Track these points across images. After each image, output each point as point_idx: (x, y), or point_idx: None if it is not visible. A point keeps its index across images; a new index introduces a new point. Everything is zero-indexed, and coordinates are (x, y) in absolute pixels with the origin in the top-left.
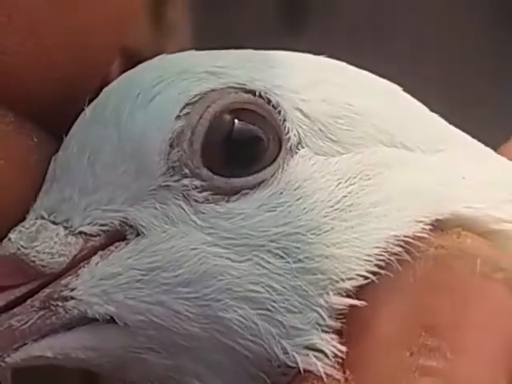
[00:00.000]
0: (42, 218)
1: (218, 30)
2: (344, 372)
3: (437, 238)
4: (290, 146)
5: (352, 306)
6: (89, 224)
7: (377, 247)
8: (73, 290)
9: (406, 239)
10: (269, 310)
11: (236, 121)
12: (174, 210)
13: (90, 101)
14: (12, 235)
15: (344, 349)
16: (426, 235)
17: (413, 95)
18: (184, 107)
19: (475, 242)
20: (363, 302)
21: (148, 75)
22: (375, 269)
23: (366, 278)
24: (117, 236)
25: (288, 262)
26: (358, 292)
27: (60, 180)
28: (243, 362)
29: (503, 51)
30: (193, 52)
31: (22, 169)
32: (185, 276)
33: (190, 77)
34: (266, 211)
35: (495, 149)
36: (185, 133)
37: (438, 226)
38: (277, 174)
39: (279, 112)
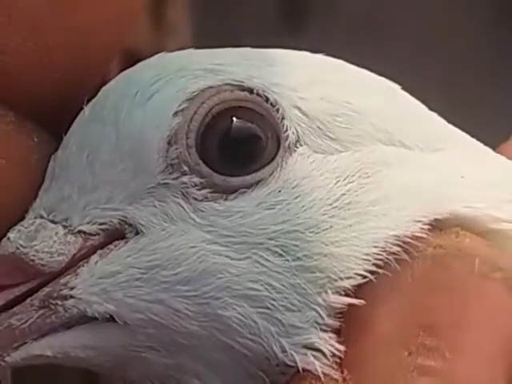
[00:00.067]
0: (41, 217)
1: (218, 30)
2: (342, 371)
3: (435, 238)
4: (289, 144)
5: (350, 305)
6: (88, 223)
7: (375, 246)
8: (72, 288)
9: (405, 239)
10: (268, 308)
11: (234, 119)
12: (172, 207)
13: (89, 100)
14: (11, 234)
15: (342, 348)
16: (424, 235)
17: (413, 95)
18: (181, 104)
19: (473, 241)
20: (362, 301)
21: (146, 73)
22: (373, 268)
23: (365, 277)
24: (116, 235)
25: (287, 260)
26: (356, 291)
27: (59, 179)
28: (242, 361)
29: (503, 51)
30: (191, 50)
31: (23, 168)
32: (184, 274)
33: (187, 74)
34: (265, 209)
35: (495, 149)
36: (182, 129)
37: (437, 225)
38: (275, 173)
39: (277, 110)
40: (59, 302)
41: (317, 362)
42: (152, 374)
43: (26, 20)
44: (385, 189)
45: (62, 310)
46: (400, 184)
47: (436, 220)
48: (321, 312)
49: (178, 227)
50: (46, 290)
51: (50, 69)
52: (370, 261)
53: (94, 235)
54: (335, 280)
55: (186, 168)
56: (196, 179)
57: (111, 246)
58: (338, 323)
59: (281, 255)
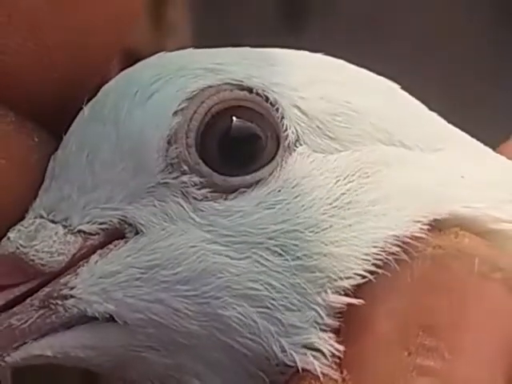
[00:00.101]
0: (41, 216)
1: (218, 30)
2: (341, 371)
3: (435, 238)
4: (288, 144)
5: (350, 305)
6: (88, 222)
7: (375, 246)
8: (72, 288)
9: (404, 239)
10: (268, 307)
11: (234, 118)
12: (172, 207)
13: (89, 100)
14: (11, 234)
15: (342, 348)
16: (423, 235)
17: (413, 95)
18: (181, 104)
19: (473, 241)
20: (361, 301)
21: (146, 73)
22: (373, 268)
23: (364, 276)
24: (116, 234)
25: (286, 260)
26: (355, 291)
27: (59, 178)
28: (242, 361)
29: (503, 51)
30: (191, 50)
31: (23, 168)
32: (184, 274)
33: (187, 74)
34: (265, 209)
35: (495, 149)
36: (181, 129)
37: (436, 225)
38: (275, 172)
39: (277, 109)
40: (59, 302)
41: (316, 362)
42: (152, 374)
43: (26, 20)
44: (385, 189)
45: (62, 310)
46: (400, 184)
47: (435, 220)
48: (320, 312)
49: (177, 227)
50: (46, 289)
51: (50, 69)
52: (369, 261)
53: (94, 235)
54: (335, 280)
55: (185, 167)
56: (196, 179)
57: (111, 246)
58: (338, 323)
59: (280, 255)
